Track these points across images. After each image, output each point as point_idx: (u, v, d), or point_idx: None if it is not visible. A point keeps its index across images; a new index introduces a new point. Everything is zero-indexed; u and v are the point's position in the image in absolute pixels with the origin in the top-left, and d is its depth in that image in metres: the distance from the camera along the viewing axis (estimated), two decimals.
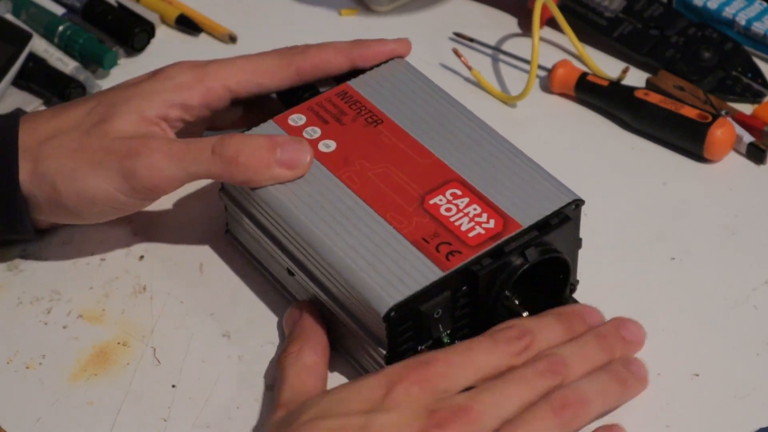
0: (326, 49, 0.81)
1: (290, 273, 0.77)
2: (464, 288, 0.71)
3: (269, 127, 0.79)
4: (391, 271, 0.70)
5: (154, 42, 0.98)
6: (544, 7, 0.92)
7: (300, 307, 0.75)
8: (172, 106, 0.78)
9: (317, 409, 0.66)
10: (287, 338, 0.74)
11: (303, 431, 0.65)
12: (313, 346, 0.72)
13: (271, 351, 0.77)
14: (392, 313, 0.69)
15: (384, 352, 0.71)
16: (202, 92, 0.79)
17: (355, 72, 0.82)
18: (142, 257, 0.82)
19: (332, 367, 0.75)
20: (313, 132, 0.78)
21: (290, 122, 0.79)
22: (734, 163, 0.88)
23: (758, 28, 0.94)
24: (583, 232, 0.76)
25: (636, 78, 0.93)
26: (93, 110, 0.78)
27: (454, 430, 0.64)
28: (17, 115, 0.78)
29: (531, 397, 0.66)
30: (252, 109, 0.84)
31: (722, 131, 0.86)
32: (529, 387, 0.67)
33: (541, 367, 0.67)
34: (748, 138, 0.88)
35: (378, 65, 0.82)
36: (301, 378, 0.71)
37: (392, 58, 0.82)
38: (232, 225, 0.81)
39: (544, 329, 0.70)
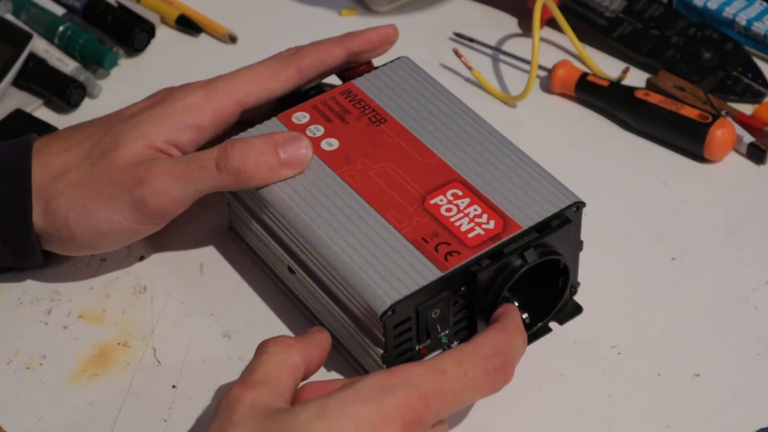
0: (321, 43, 0.81)
1: (291, 271, 0.77)
2: (463, 288, 0.71)
3: (273, 124, 0.79)
4: (390, 271, 0.70)
5: (154, 42, 0.98)
6: (544, 7, 0.92)
7: (318, 328, 0.72)
8: (184, 129, 0.77)
9: None
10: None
11: None
12: (306, 352, 0.68)
13: None
14: (390, 312, 0.69)
15: (381, 351, 0.71)
16: (213, 111, 0.78)
17: (357, 73, 0.82)
18: (142, 257, 0.82)
19: (331, 366, 0.75)
20: (317, 130, 0.78)
21: (294, 120, 0.79)
22: (734, 163, 0.88)
23: (758, 28, 0.94)
24: (583, 232, 0.76)
25: (636, 78, 0.93)
26: (102, 139, 0.77)
27: None
28: (30, 146, 0.78)
29: None
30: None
31: (722, 131, 0.86)
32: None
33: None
34: (748, 138, 0.88)
35: (384, 65, 0.82)
36: (278, 371, 0.66)
37: (385, 44, 0.82)
38: (235, 222, 0.82)
39: (518, 356, 0.69)
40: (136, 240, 0.78)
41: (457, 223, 0.72)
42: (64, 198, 0.76)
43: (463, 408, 0.69)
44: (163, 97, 0.79)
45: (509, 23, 0.99)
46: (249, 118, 0.83)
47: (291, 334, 0.77)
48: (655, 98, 0.89)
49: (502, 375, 0.67)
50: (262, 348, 0.68)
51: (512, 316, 0.70)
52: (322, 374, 0.75)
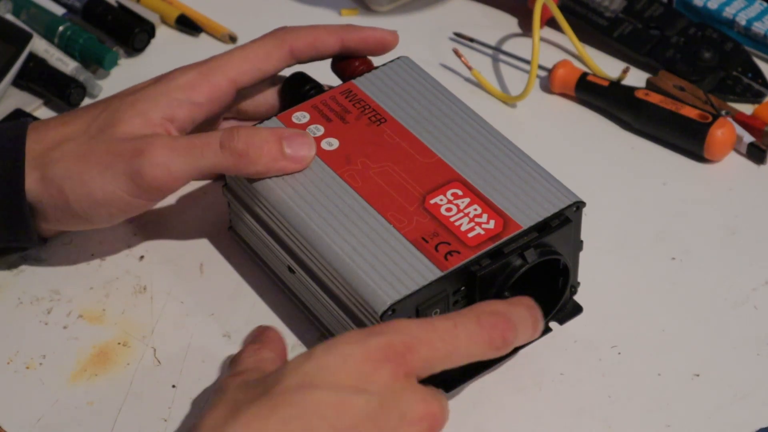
0: (317, 28, 0.82)
1: (291, 270, 0.77)
2: (462, 288, 0.71)
3: (272, 124, 0.79)
4: (390, 270, 0.70)
5: (154, 42, 0.98)
6: (544, 7, 0.92)
7: (266, 326, 0.74)
8: (179, 105, 0.78)
9: (301, 375, 0.63)
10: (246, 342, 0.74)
11: (293, 397, 0.62)
12: (273, 348, 0.71)
13: None
14: (390, 312, 0.69)
15: None
16: (208, 89, 0.79)
17: (357, 72, 0.82)
18: (142, 257, 0.82)
19: None
20: (317, 130, 0.78)
21: (294, 120, 0.79)
22: (734, 163, 0.88)
23: (758, 28, 0.94)
24: (583, 232, 0.76)
25: (636, 78, 0.93)
26: (99, 116, 0.78)
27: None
28: (25, 124, 0.78)
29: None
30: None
31: (722, 131, 0.86)
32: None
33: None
34: (748, 138, 0.88)
35: (384, 65, 0.82)
36: (258, 363, 0.69)
37: (382, 48, 0.82)
38: (234, 222, 0.82)
39: (521, 323, 0.67)
40: (130, 215, 0.78)
41: (457, 223, 0.72)
42: (61, 166, 0.76)
43: (459, 364, 0.66)
44: (159, 77, 0.80)
45: (509, 23, 0.99)
46: (244, 116, 0.83)
47: (291, 334, 0.77)
48: (655, 98, 0.89)
49: (498, 332, 0.65)
50: (234, 358, 0.71)
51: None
52: None
